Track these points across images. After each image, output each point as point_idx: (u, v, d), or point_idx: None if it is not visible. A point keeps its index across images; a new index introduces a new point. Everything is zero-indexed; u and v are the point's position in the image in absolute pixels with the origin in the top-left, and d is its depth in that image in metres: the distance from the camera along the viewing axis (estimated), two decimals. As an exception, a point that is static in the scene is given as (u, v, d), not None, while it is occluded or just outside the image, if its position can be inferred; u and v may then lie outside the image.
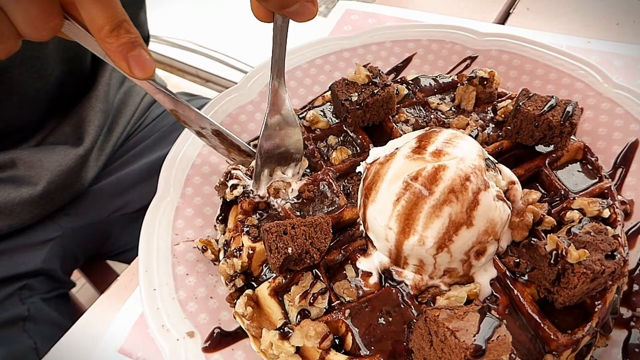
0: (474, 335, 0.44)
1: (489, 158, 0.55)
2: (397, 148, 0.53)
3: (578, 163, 0.64)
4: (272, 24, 0.55)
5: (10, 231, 0.81)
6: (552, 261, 0.48)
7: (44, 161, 0.81)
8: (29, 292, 0.82)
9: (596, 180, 0.61)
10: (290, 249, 0.52)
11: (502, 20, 0.96)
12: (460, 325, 0.44)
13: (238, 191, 0.63)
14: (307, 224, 0.54)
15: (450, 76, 0.74)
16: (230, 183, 0.64)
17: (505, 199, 0.52)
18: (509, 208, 0.52)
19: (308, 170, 0.66)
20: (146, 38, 1.02)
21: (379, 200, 0.51)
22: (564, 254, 0.47)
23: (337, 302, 0.54)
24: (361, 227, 0.58)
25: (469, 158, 0.49)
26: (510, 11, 0.96)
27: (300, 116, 0.70)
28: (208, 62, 1.70)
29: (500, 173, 0.55)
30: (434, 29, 0.83)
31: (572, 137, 0.63)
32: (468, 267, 0.51)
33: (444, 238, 0.48)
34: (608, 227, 0.52)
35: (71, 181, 0.82)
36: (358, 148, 0.67)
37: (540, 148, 0.63)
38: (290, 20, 0.53)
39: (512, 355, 0.47)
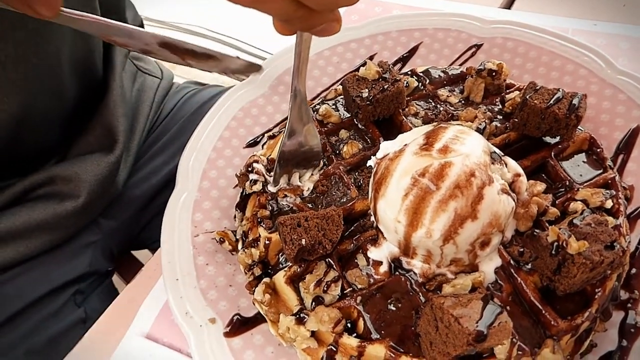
0: (477, 322, 0.47)
1: (494, 152, 0.57)
2: (405, 144, 0.56)
3: (584, 154, 0.66)
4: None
5: (58, 243, 0.84)
6: (553, 252, 0.51)
7: (80, 174, 0.83)
8: (82, 295, 0.87)
9: (600, 171, 0.63)
10: (303, 240, 0.55)
11: (509, 4, 0.96)
12: (463, 312, 0.48)
13: (257, 187, 0.65)
14: (319, 216, 0.57)
15: (460, 68, 0.75)
16: (251, 177, 0.66)
17: (509, 191, 0.54)
18: (513, 201, 0.55)
19: (324, 166, 0.68)
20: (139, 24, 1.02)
21: (388, 194, 0.54)
22: (564, 245, 0.50)
23: (349, 289, 0.57)
24: (372, 218, 0.61)
25: (474, 154, 0.52)
26: (517, -5, 0.97)
27: (313, 109, 0.72)
28: (222, 48, 1.72)
29: (506, 166, 0.57)
30: (440, 17, 0.84)
31: (578, 127, 0.65)
32: (473, 257, 0.54)
33: (450, 231, 0.51)
34: (609, 218, 0.54)
35: (108, 187, 0.85)
36: (369, 141, 0.69)
37: (547, 140, 0.65)
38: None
39: (514, 339, 0.50)
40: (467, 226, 0.51)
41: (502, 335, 0.47)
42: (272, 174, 0.65)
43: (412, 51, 0.83)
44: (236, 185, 0.71)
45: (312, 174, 0.66)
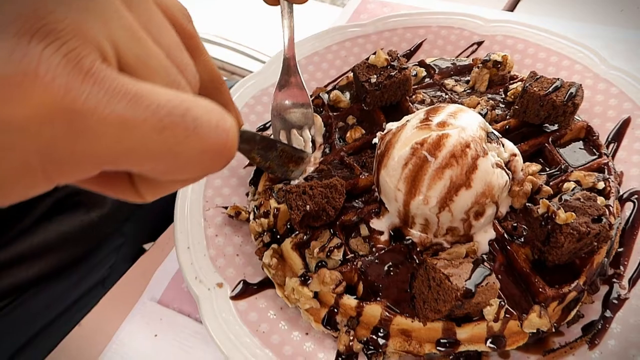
0: (466, 281, 0.50)
1: (493, 132, 0.61)
2: (407, 120, 0.60)
3: (581, 141, 0.69)
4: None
5: (86, 251, 0.88)
6: (542, 223, 0.54)
7: None
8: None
9: (596, 156, 0.67)
10: (308, 206, 0.59)
11: (512, 7, 1.01)
12: (454, 271, 0.51)
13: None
14: (323, 185, 0.61)
15: (467, 60, 0.79)
16: None
17: (504, 167, 0.58)
18: (508, 176, 0.58)
19: (327, 151, 0.72)
20: None
21: (389, 164, 0.57)
22: (553, 216, 0.53)
23: (351, 255, 0.60)
24: (375, 193, 0.64)
25: (470, 128, 0.56)
26: (519, -1, 1.02)
27: (325, 94, 0.77)
28: (233, 54, 1.77)
29: (503, 146, 0.61)
30: (443, 16, 0.89)
31: (576, 117, 0.69)
32: (468, 226, 0.58)
33: (445, 198, 0.54)
34: (600, 198, 0.58)
35: None
36: (374, 126, 0.73)
37: (546, 127, 0.69)
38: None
39: (502, 303, 0.54)
40: (462, 194, 0.54)
41: (490, 294, 0.51)
42: None
43: (417, 47, 0.87)
44: (246, 166, 0.75)
45: (314, 133, 0.70)
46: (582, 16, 0.96)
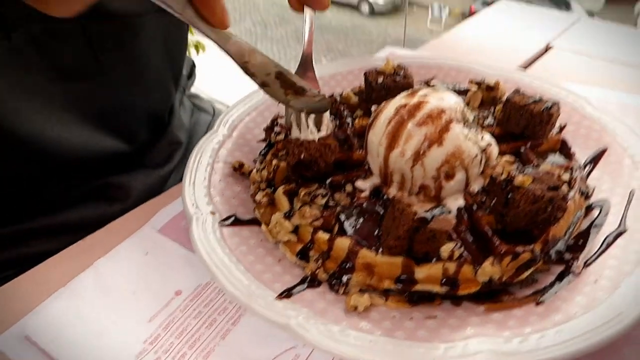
0: (424, 212, 0.56)
1: (473, 121, 0.69)
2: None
3: (556, 154, 0.77)
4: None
5: None
6: (503, 186, 0.61)
7: (131, 181, 0.97)
8: None
9: (567, 161, 0.74)
10: (303, 154, 0.68)
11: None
12: (417, 206, 0.57)
13: (280, 137, 0.79)
14: (319, 143, 0.70)
15: (466, 85, 0.91)
16: (275, 129, 0.81)
17: (477, 142, 0.66)
18: (480, 151, 0.66)
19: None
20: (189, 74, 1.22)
21: (376, 125, 0.67)
22: (512, 179, 0.60)
23: (333, 203, 0.67)
24: (366, 166, 0.73)
25: (449, 101, 0.65)
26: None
27: (337, 94, 0.89)
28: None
29: (482, 136, 0.69)
30: (456, 62, 1.01)
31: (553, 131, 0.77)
32: (439, 187, 0.65)
33: (419, 151, 0.62)
34: (561, 176, 0.64)
35: (155, 194, 0.92)
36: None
37: (526, 136, 0.77)
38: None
39: (458, 245, 0.59)
40: (434, 150, 0.62)
41: (444, 223, 0.56)
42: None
43: (426, 82, 0.99)
44: (261, 140, 0.85)
45: (324, 121, 0.79)
46: (598, 80, 1.06)
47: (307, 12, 0.77)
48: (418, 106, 0.64)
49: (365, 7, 15.35)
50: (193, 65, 1.29)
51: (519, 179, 0.60)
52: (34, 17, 0.72)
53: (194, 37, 3.76)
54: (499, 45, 1.34)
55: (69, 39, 0.79)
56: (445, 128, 0.63)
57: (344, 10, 15.85)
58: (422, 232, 0.56)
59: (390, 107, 0.66)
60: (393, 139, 0.64)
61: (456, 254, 0.58)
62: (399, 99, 0.67)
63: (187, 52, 1.24)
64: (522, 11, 1.57)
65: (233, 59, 0.58)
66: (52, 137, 0.85)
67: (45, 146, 0.85)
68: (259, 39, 14.54)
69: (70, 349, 0.59)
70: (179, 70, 1.11)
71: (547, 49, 1.29)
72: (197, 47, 3.65)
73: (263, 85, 0.62)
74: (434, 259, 0.59)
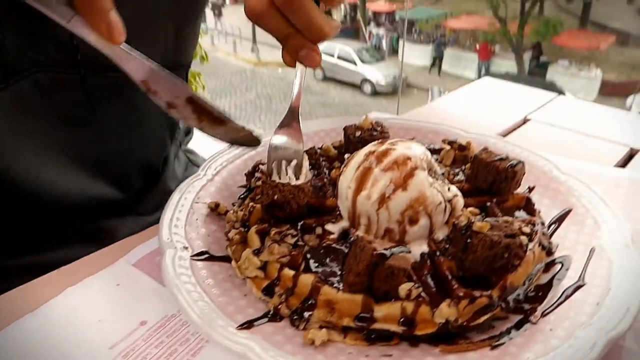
0: (384, 249, 0.59)
1: (440, 173, 0.73)
2: (370, 145, 0.74)
3: (521, 210, 0.80)
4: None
5: None
6: (463, 231, 0.64)
7: (119, 226, 1.00)
8: None
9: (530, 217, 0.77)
10: (276, 195, 0.71)
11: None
12: (377, 243, 0.60)
13: (260, 183, 0.83)
14: (293, 186, 0.73)
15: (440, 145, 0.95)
16: (256, 175, 0.85)
17: (441, 191, 0.69)
18: (445, 201, 0.69)
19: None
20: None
21: (347, 170, 0.71)
22: (471, 225, 0.63)
23: (301, 244, 0.70)
24: (338, 212, 0.76)
25: (415, 149, 0.69)
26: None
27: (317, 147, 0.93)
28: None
29: (449, 189, 0.73)
30: (435, 125, 1.07)
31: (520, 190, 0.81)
32: (403, 231, 0.67)
33: (384, 194, 0.66)
34: (524, 237, 0.67)
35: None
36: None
37: (493, 193, 0.80)
38: None
39: (416, 285, 0.60)
40: (398, 194, 0.66)
41: (402, 261, 0.59)
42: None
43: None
44: (242, 185, 0.89)
45: (302, 170, 0.83)
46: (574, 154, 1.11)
47: (299, 67, 0.81)
48: (385, 153, 0.68)
49: (367, 87, 16.05)
50: None
51: (478, 224, 0.63)
52: (40, 65, 0.78)
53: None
54: (479, 115, 1.41)
55: (70, 88, 0.84)
56: (410, 174, 0.66)
57: (348, 89, 16.54)
58: (381, 269, 0.58)
59: (360, 154, 0.71)
60: (361, 183, 0.68)
61: (414, 294, 0.60)
62: (369, 147, 0.71)
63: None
64: (505, 87, 1.66)
65: (130, 76, 0.57)
66: (47, 179, 0.88)
67: (39, 188, 0.88)
68: (263, 111, 15.09)
69: (29, 369, 0.59)
70: (175, 122, 1.17)
71: (524, 121, 1.35)
72: (203, 57, 3.81)
73: (169, 106, 0.62)
74: (393, 299, 0.61)
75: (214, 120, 0.65)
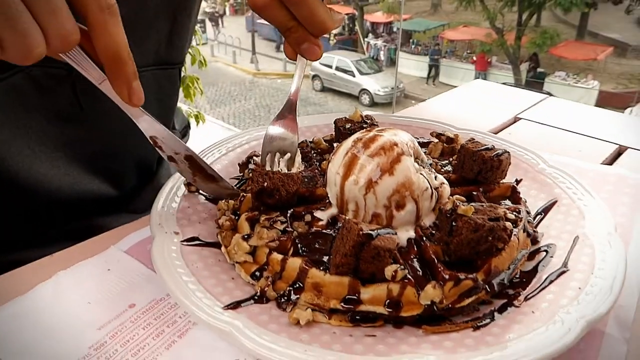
0: (371, 230, 0.60)
1: (427, 162, 0.74)
2: (358, 132, 0.75)
3: (507, 200, 0.81)
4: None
5: None
6: (448, 215, 0.65)
7: (112, 223, 0.95)
8: None
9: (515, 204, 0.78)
10: (266, 183, 0.72)
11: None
12: (364, 225, 0.61)
13: None
14: (283, 174, 0.74)
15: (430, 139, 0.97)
16: (250, 166, 0.86)
17: (427, 178, 0.71)
18: (431, 187, 0.70)
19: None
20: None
21: (335, 157, 0.72)
22: (456, 208, 0.64)
23: (290, 230, 0.71)
24: (327, 200, 0.77)
25: (401, 136, 0.71)
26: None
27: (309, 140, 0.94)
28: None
29: (436, 178, 0.74)
30: (425, 121, 1.09)
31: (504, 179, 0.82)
32: (390, 216, 0.68)
33: (371, 179, 0.67)
34: (508, 223, 0.68)
35: None
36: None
37: (479, 182, 0.81)
38: None
39: (402, 267, 0.61)
40: (385, 179, 0.67)
41: (388, 242, 0.60)
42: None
43: (398, 137, 1.05)
44: (235, 177, 0.90)
45: (294, 160, 0.84)
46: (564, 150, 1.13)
47: (300, 61, 0.82)
48: (372, 139, 0.69)
49: (365, 98, 16.12)
50: (188, 126, 1.36)
51: (463, 207, 0.64)
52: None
53: (194, 109, 3.92)
54: (470, 114, 1.42)
55: (64, 83, 0.85)
56: (397, 159, 0.67)
57: (346, 100, 16.62)
58: (367, 250, 0.59)
59: (348, 141, 0.72)
60: (348, 169, 0.69)
61: (400, 275, 0.61)
62: (357, 134, 0.72)
63: (187, 119, 1.32)
64: (496, 89, 1.68)
65: (143, 131, 0.69)
66: (40, 174, 0.89)
67: (33, 182, 0.89)
68: (261, 120, 15.15)
69: (16, 348, 0.60)
70: (169, 122, 1.18)
71: (515, 120, 1.37)
72: (197, 117, 3.80)
73: (170, 159, 0.73)
74: (380, 281, 0.61)
75: (206, 177, 0.76)
